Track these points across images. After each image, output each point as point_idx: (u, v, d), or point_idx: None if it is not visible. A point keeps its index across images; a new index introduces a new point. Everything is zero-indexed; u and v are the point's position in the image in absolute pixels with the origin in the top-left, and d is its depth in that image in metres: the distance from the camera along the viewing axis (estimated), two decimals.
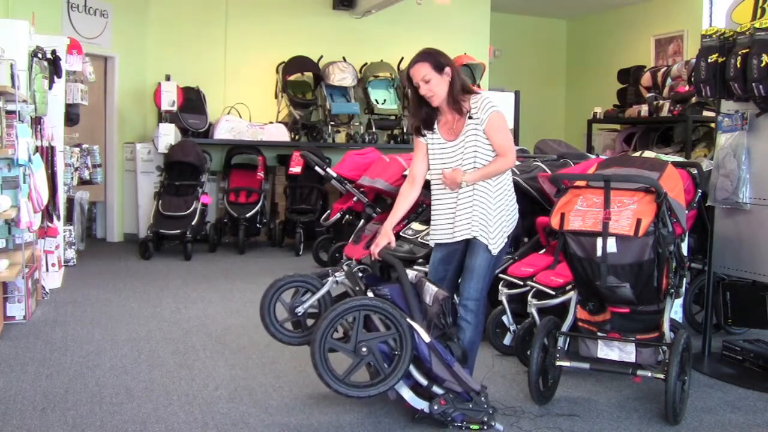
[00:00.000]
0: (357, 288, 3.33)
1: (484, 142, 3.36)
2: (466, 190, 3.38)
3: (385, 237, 3.48)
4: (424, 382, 3.17)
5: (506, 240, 3.43)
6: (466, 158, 3.38)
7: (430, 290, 3.24)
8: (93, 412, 3.36)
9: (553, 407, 3.56)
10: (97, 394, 3.58)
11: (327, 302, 3.48)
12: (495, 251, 3.37)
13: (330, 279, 3.46)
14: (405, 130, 8.95)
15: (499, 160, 3.36)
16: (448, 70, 3.37)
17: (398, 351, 3.08)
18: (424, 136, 3.53)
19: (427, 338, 3.10)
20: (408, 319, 3.10)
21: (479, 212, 3.36)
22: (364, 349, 3.06)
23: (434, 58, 3.37)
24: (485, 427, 3.20)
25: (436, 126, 3.49)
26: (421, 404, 3.19)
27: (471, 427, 3.21)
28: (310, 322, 3.55)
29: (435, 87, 3.37)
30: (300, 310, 3.45)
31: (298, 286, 3.53)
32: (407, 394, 3.19)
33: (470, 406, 3.18)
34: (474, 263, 3.38)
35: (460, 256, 3.47)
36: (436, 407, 3.15)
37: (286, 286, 3.52)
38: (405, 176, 5.96)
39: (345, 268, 3.47)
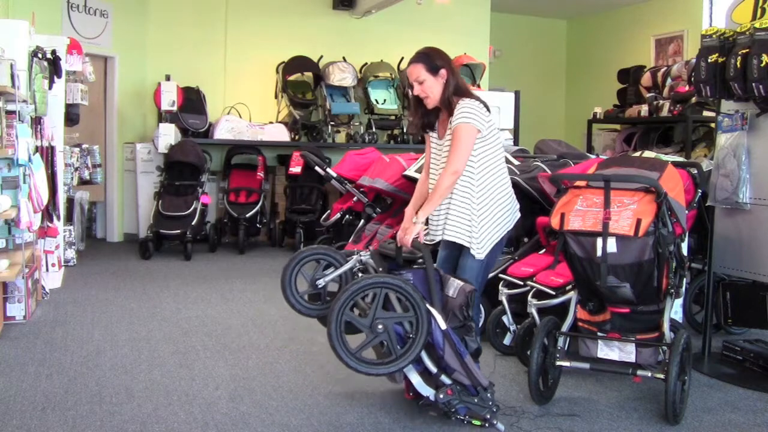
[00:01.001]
0: (380, 269, 3.32)
1: None
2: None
3: (417, 225, 3.33)
4: (433, 369, 3.17)
5: (493, 246, 3.39)
6: (442, 161, 3.42)
7: (455, 284, 3.25)
8: (93, 412, 3.36)
9: (553, 407, 3.56)
10: (97, 394, 3.58)
11: (348, 279, 3.45)
12: (479, 255, 3.35)
13: (355, 257, 3.44)
14: (405, 130, 8.95)
15: (440, 177, 3.32)
16: (443, 72, 3.35)
17: (413, 335, 3.07)
18: (426, 133, 3.57)
19: (443, 325, 3.10)
20: (427, 305, 3.10)
21: (455, 216, 3.36)
22: (380, 327, 3.04)
23: (429, 60, 3.36)
24: (487, 425, 3.20)
25: (437, 124, 3.52)
26: (427, 391, 3.19)
27: (473, 422, 3.22)
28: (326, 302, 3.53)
29: (428, 89, 3.37)
30: (321, 282, 3.41)
31: (321, 259, 3.50)
32: (415, 379, 3.19)
33: (475, 400, 3.19)
34: (464, 264, 3.41)
35: (457, 255, 3.48)
36: (441, 396, 3.16)
37: (310, 257, 3.48)
38: (405, 176, 6.01)
39: (370, 249, 3.47)
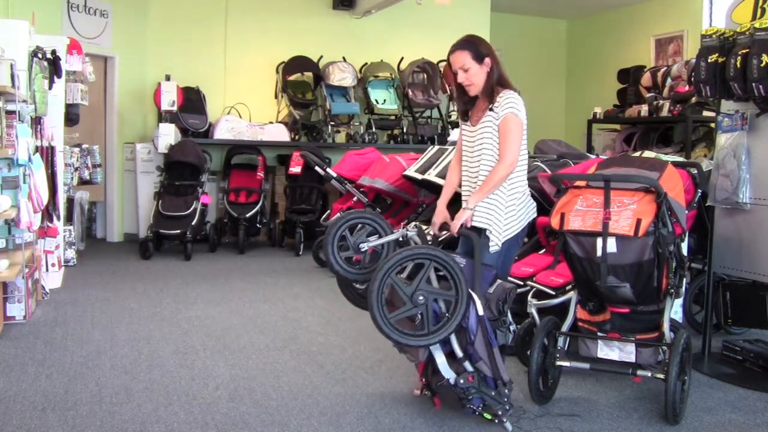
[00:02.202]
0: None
1: (496, 137, 3.38)
2: (475, 182, 3.43)
3: (467, 212, 3.39)
4: (459, 353, 3.17)
5: (509, 238, 3.40)
6: (475, 148, 3.45)
7: (495, 281, 3.29)
8: (93, 412, 3.36)
9: (553, 407, 3.56)
10: (97, 394, 3.59)
11: (391, 250, 3.46)
12: (493, 246, 3.37)
13: (400, 230, 3.47)
14: (405, 130, 8.95)
15: (496, 168, 3.36)
16: (487, 60, 3.40)
17: (449, 314, 3.08)
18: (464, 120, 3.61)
19: (481, 311, 3.12)
20: (469, 289, 3.11)
21: (485, 203, 3.38)
22: (420, 298, 3.04)
23: (475, 48, 3.40)
24: (497, 421, 3.21)
25: (470, 112, 3.55)
26: (449, 373, 3.20)
27: (484, 414, 3.22)
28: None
29: (473, 77, 3.41)
30: (364, 246, 3.43)
31: (367, 224, 3.52)
32: (440, 359, 3.20)
33: (492, 393, 3.20)
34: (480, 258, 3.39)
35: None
36: (462, 381, 3.16)
37: (356, 220, 3.50)
38: (405, 176, 6.02)
39: (416, 225, 3.50)
